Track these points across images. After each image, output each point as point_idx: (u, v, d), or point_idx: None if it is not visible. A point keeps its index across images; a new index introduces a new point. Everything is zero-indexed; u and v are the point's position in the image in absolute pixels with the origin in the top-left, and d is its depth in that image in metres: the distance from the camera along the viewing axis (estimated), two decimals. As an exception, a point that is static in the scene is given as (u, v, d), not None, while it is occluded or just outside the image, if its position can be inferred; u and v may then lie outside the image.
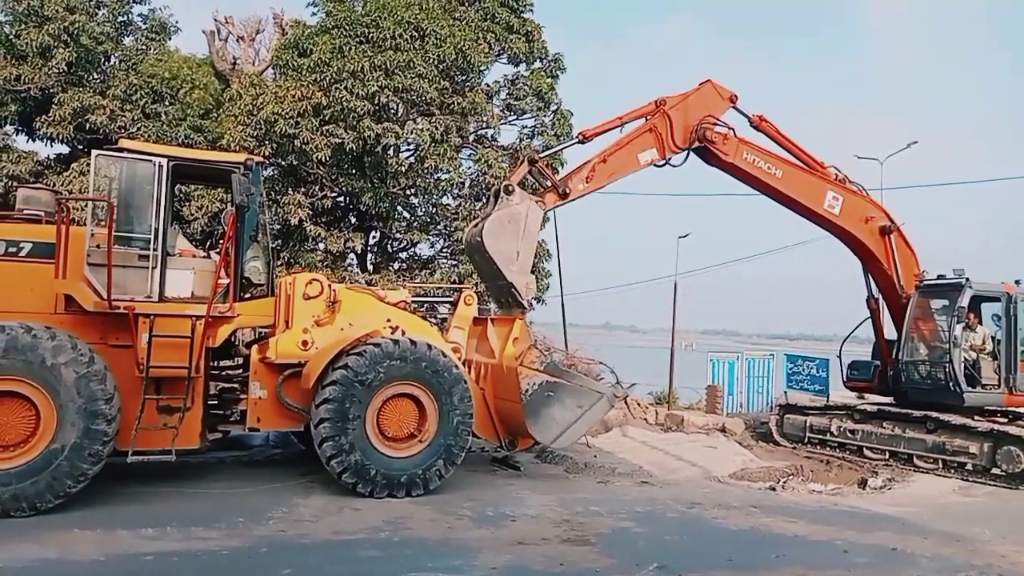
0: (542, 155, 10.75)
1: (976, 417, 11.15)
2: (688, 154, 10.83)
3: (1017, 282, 11.70)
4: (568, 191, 10.03)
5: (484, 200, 17.02)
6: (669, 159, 10.72)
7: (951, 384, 11.16)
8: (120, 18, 17.24)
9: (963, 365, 11.21)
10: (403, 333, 8.50)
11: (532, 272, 16.82)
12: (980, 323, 11.81)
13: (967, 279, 11.31)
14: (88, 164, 9.03)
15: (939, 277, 11.91)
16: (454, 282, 15.15)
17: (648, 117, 10.61)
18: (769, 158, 11.22)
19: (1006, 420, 11.37)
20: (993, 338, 11.66)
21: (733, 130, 10.97)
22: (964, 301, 11.12)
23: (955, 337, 11.11)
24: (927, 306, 11.94)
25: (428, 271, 17.35)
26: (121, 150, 7.73)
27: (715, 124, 10.80)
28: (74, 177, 14.99)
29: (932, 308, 11.93)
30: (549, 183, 10.14)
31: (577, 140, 10.73)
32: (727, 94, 11.06)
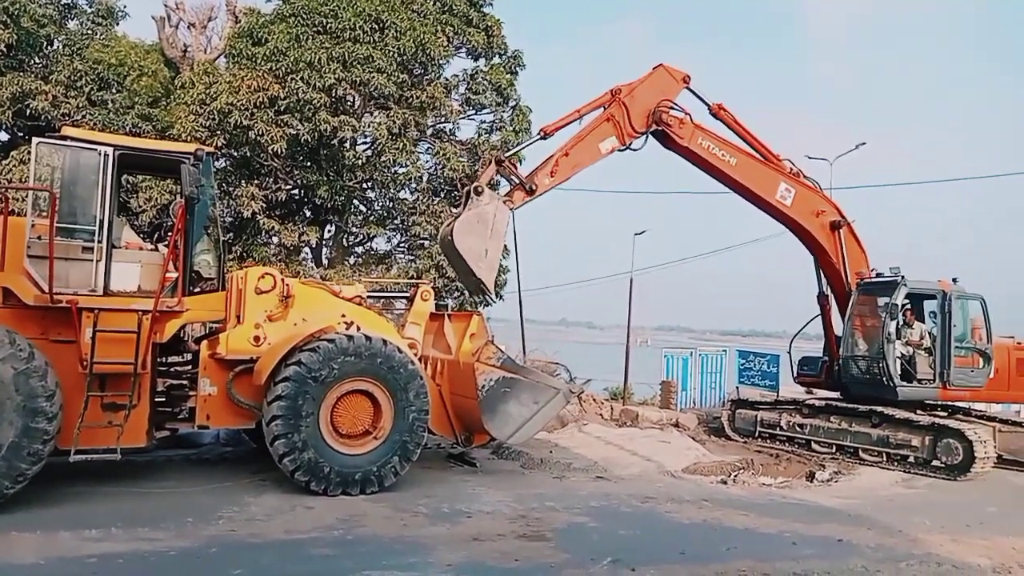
0: (508, 155, 10.89)
1: (918, 411, 11.53)
2: (647, 138, 11.12)
3: (954, 280, 12.12)
4: (535, 187, 10.31)
5: (442, 195, 17.00)
6: (629, 144, 11.02)
7: (884, 379, 11.53)
8: (64, 0, 16.63)
9: (898, 360, 11.55)
10: (358, 329, 8.40)
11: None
12: (918, 320, 12.19)
13: (902, 277, 11.67)
14: (29, 152, 8.70)
15: (878, 275, 12.28)
16: (411, 277, 15.03)
17: (606, 107, 10.87)
18: (724, 146, 11.52)
19: (945, 414, 11.80)
20: (930, 334, 12.04)
21: (690, 115, 11.24)
22: (898, 298, 11.46)
23: (888, 333, 11.44)
24: (866, 303, 12.28)
25: (385, 266, 17.19)
26: (64, 138, 7.44)
27: (671, 108, 11.10)
28: (13, 165, 14.44)
29: (870, 305, 12.27)
30: (516, 181, 10.35)
31: (539, 136, 10.95)
32: (680, 75, 11.34)
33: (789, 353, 13.98)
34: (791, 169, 12.01)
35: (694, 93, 11.52)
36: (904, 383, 11.52)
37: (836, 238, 12.09)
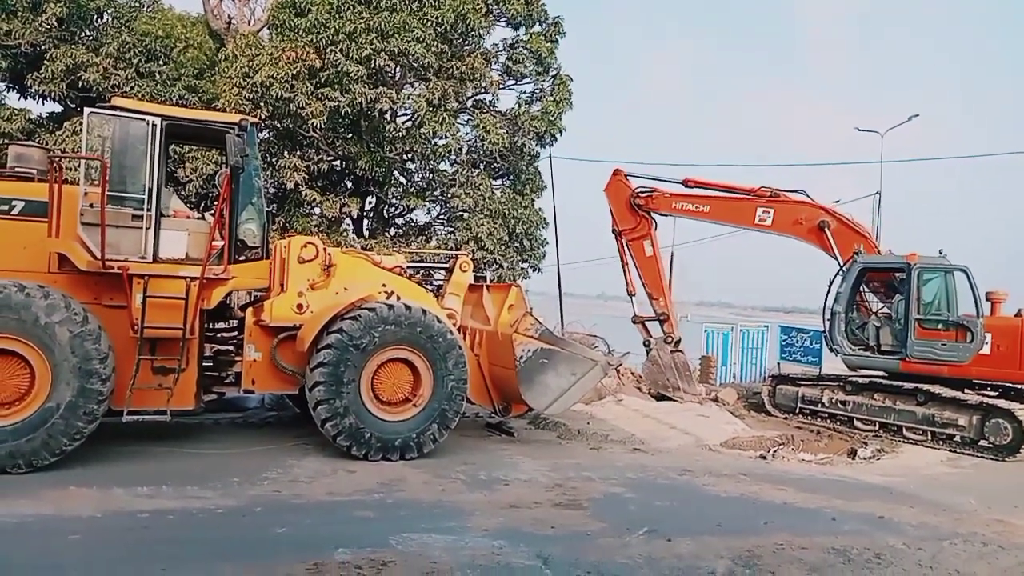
0: (636, 317, 14.58)
1: (966, 390, 11.25)
2: (649, 214, 14.14)
3: (940, 251, 12.03)
4: (664, 314, 14.19)
5: (481, 167, 16.96)
6: (652, 229, 14.22)
7: (829, 346, 12.87)
8: (112, -26, 16.87)
9: (845, 329, 12.36)
10: (398, 298, 8.49)
11: (530, 240, 17.04)
12: (896, 293, 12.18)
13: (856, 253, 12.35)
14: (81, 123, 8.92)
15: (890, 253, 12.58)
16: (450, 249, 15.09)
17: (624, 243, 14.37)
18: (695, 200, 13.89)
19: (995, 393, 11.47)
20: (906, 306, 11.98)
21: (658, 190, 14.09)
22: (848, 274, 12.37)
23: (829, 306, 12.55)
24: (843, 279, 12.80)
25: (424, 237, 17.28)
26: (114, 108, 7.60)
27: (639, 193, 14.13)
28: (67, 136, 14.82)
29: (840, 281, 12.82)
30: (655, 319, 14.29)
31: (631, 296, 14.53)
32: (616, 177, 14.48)
33: None
34: (770, 193, 13.35)
35: (668, 180, 14.16)
36: (850, 353, 12.36)
37: (824, 236, 12.89)
